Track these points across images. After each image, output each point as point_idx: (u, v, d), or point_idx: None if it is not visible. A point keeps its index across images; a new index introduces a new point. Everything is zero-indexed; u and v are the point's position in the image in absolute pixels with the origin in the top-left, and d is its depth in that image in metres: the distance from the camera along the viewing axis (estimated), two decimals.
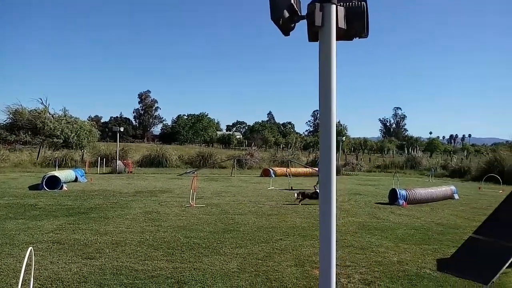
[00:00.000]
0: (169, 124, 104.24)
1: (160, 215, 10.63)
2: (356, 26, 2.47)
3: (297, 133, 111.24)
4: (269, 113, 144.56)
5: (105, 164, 25.55)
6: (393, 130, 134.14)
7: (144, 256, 6.83)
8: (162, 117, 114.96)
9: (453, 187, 16.19)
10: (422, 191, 14.48)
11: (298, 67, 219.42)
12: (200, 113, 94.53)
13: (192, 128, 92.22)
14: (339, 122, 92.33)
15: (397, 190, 13.85)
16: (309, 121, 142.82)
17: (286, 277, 5.98)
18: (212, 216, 10.71)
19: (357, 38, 2.57)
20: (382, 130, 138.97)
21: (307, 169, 26.60)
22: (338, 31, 2.43)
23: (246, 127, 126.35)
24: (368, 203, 13.91)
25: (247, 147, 47.08)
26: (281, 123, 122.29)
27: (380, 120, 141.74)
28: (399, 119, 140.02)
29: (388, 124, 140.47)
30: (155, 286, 5.49)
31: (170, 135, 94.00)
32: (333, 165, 2.27)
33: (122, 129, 31.19)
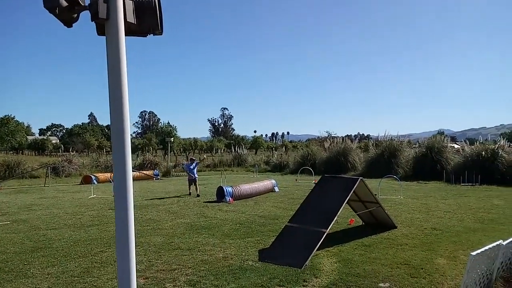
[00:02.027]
0: None
1: None
2: (148, 21, 2.36)
3: None
4: (91, 115, 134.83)
5: None
6: (222, 130, 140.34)
7: None
8: None
9: (273, 181, 17.64)
10: (247, 187, 15.33)
11: None
12: (5, 115, 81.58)
13: None
14: (168, 123, 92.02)
15: (224, 188, 14.33)
16: (136, 122, 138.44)
17: None
18: (18, 234, 9.19)
19: (152, 35, 2.46)
20: (211, 130, 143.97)
21: (135, 173, 25.48)
22: (129, 26, 2.27)
23: (64, 131, 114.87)
24: (197, 202, 14.01)
25: (65, 153, 42.60)
26: (105, 125, 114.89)
27: (209, 120, 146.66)
28: (226, 119, 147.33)
29: (216, 124, 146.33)
30: None
31: None
32: (128, 168, 2.01)
33: None
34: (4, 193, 17.66)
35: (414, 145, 28.06)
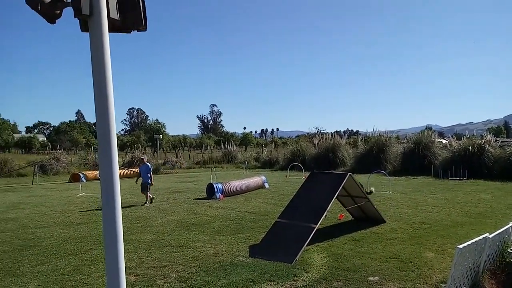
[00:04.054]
0: None
1: None
2: (131, 17, 2.35)
3: None
4: (78, 112, 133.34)
5: None
6: (211, 127, 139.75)
7: None
8: None
9: (263, 177, 17.68)
10: (237, 183, 15.34)
11: None
12: None
13: None
14: (157, 120, 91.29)
15: (214, 185, 14.32)
16: (124, 119, 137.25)
17: None
18: (6, 233, 9.10)
19: (136, 31, 2.45)
20: (200, 127, 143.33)
21: (124, 170, 25.30)
22: (113, 22, 2.26)
23: (51, 128, 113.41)
24: (187, 199, 13.99)
25: (52, 151, 42.11)
26: (92, 122, 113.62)
27: (198, 117, 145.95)
28: (215, 116, 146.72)
29: (206, 120, 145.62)
30: None
31: None
32: (115, 166, 2.01)
33: None
34: None
35: (402, 141, 28.32)
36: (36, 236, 8.70)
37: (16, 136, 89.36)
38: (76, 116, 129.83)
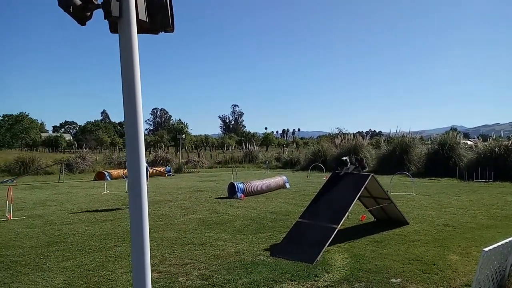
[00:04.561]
0: None
1: None
2: (160, 19, 2.39)
3: None
4: (103, 112, 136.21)
5: None
6: (232, 127, 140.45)
7: None
8: None
9: (284, 177, 17.67)
10: (258, 183, 15.38)
11: None
12: (19, 113, 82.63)
13: (9, 131, 79.93)
14: (179, 120, 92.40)
15: (236, 184, 14.41)
16: (148, 119, 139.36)
17: (121, 285, 5.53)
18: (34, 229, 9.37)
19: (163, 32, 2.50)
20: (222, 127, 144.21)
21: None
22: (141, 24, 2.31)
23: (77, 128, 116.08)
24: (209, 198, 14.12)
25: (78, 149, 43.10)
26: (117, 122, 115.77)
27: (219, 117, 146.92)
28: (237, 116, 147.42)
29: (227, 121, 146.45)
30: None
31: None
32: (142, 167, 2.06)
33: None
34: (19, 189, 17.97)
35: (426, 142, 27.79)
36: (62, 233, 8.94)
37: (44, 135, 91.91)
38: (101, 116, 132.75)
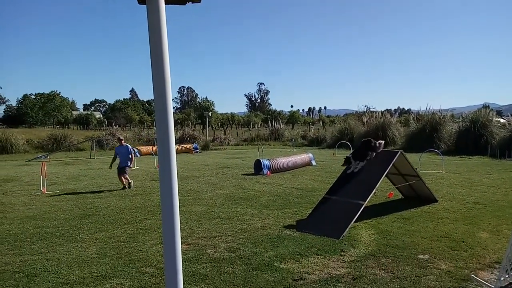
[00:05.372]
0: (13, 105, 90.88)
1: (5, 206, 9.30)
2: None
3: None
4: (132, 90, 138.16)
5: None
6: (258, 105, 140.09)
7: None
8: (4, 97, 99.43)
9: (310, 155, 17.61)
10: (284, 160, 15.40)
11: None
12: (51, 91, 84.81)
13: (42, 109, 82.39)
14: (206, 98, 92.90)
15: (262, 161, 14.48)
16: (175, 97, 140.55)
17: (151, 256, 5.72)
18: (67, 202, 9.75)
19: (190, 3, 2.45)
20: (248, 105, 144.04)
21: (175, 146, 26.11)
22: None
23: (107, 106, 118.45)
24: (235, 175, 14.26)
25: (108, 127, 44.13)
26: (145, 100, 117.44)
27: (245, 95, 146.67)
28: (263, 94, 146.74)
29: (253, 99, 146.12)
30: None
31: (15, 117, 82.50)
32: (171, 144, 2.08)
33: None
34: (52, 164, 18.64)
35: (457, 119, 27.03)
36: (94, 206, 9.26)
37: (75, 113, 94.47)
38: (130, 94, 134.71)
